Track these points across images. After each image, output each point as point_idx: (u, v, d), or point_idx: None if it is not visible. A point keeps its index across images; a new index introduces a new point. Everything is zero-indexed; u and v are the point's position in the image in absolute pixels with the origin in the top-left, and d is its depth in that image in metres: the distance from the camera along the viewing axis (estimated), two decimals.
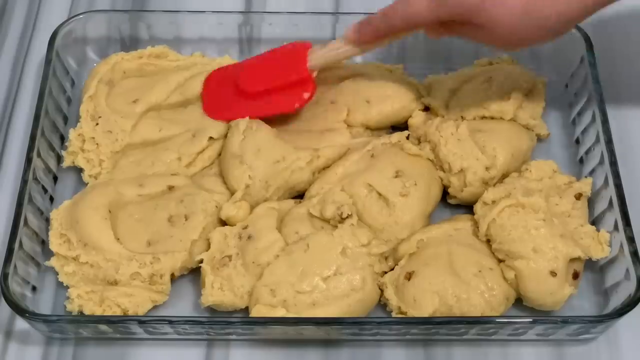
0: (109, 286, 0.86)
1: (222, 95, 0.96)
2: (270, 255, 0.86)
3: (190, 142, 0.95)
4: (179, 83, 0.99)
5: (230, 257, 0.86)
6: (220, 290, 0.84)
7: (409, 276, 0.85)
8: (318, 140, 0.95)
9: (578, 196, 0.89)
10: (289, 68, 0.93)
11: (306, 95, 0.92)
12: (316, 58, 0.92)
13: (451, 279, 0.84)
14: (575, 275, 0.85)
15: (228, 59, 1.02)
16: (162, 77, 1.00)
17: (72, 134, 0.95)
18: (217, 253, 0.86)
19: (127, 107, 0.97)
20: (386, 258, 0.88)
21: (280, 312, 0.82)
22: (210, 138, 0.95)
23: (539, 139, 0.97)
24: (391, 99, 0.98)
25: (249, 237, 0.87)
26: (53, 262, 0.87)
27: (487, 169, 0.91)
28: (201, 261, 0.86)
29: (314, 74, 0.92)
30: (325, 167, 0.94)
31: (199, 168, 0.95)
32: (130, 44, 1.05)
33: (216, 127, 0.96)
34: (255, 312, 0.83)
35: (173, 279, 0.88)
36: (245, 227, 0.88)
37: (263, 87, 0.94)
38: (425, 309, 0.83)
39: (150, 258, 0.86)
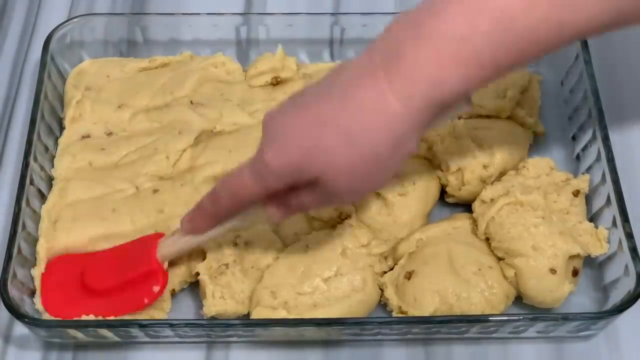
0: None
1: (65, 289, 0.86)
2: (269, 258, 0.86)
3: (177, 139, 0.94)
4: (164, 84, 0.99)
5: (227, 265, 0.86)
6: (222, 299, 0.84)
7: (408, 275, 0.85)
8: None
9: (576, 193, 0.89)
10: (136, 261, 0.84)
11: (156, 289, 0.83)
12: (165, 247, 0.84)
13: (451, 278, 0.84)
14: (575, 273, 0.85)
15: (221, 56, 1.02)
16: (145, 78, 1.00)
17: (60, 145, 0.95)
18: (214, 262, 0.86)
19: (114, 114, 0.97)
20: (386, 258, 0.88)
21: (281, 314, 0.82)
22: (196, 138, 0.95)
23: (536, 136, 0.98)
24: None
25: (246, 243, 0.87)
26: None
27: (484, 167, 0.91)
28: (198, 273, 0.86)
29: (165, 265, 0.84)
30: None
31: (186, 166, 0.94)
32: (127, 47, 1.05)
33: (201, 124, 0.95)
34: (256, 315, 0.83)
35: (173, 294, 0.87)
36: (239, 235, 0.87)
37: (110, 283, 0.84)
38: (425, 308, 0.83)
39: None
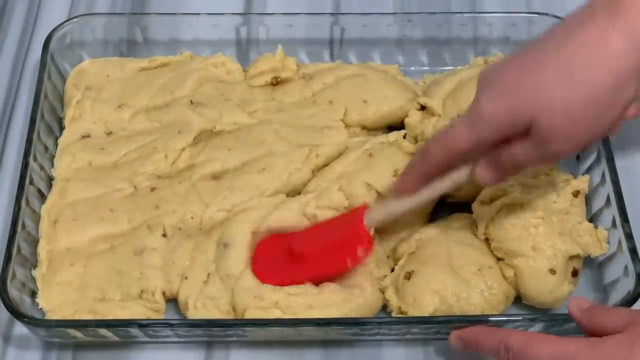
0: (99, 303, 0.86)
1: (274, 260, 0.87)
2: (241, 266, 0.85)
3: (176, 139, 0.94)
4: (164, 83, 0.99)
5: (209, 274, 0.86)
6: (204, 309, 0.84)
7: (408, 276, 0.85)
8: (317, 136, 0.95)
9: (576, 193, 0.89)
10: (343, 227, 0.86)
11: (361, 252, 0.83)
12: (373, 213, 0.85)
13: (451, 278, 0.84)
14: (575, 273, 0.86)
15: (221, 56, 1.02)
16: (145, 78, 1.00)
17: (60, 144, 0.95)
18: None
19: (114, 114, 0.97)
20: (387, 257, 0.88)
21: (275, 314, 0.82)
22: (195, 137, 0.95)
23: None
24: (388, 99, 0.98)
25: (225, 245, 0.87)
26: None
27: None
28: None
29: (371, 231, 0.85)
30: (325, 165, 0.94)
31: (184, 165, 0.94)
32: (127, 47, 1.05)
33: (201, 123, 0.95)
34: (250, 316, 0.82)
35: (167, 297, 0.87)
36: (220, 235, 0.88)
37: (317, 247, 0.86)
38: (425, 308, 0.83)
39: (138, 274, 0.86)
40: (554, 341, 0.69)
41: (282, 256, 0.87)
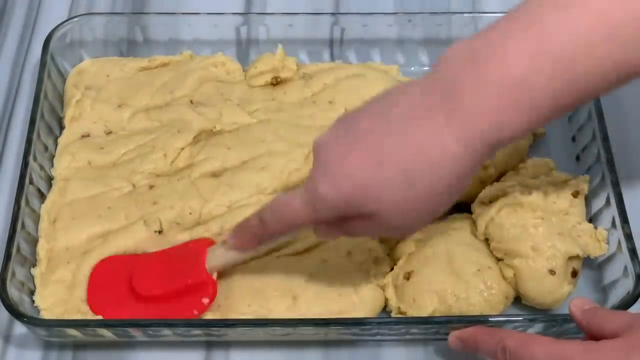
0: None
1: (112, 289, 0.86)
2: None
3: (176, 138, 0.95)
4: (164, 83, 0.99)
5: None
6: None
7: (408, 276, 0.85)
8: (316, 136, 0.94)
9: (575, 194, 0.89)
10: (186, 270, 0.84)
11: (205, 300, 0.83)
12: (213, 258, 0.83)
13: (450, 278, 0.84)
14: (574, 274, 0.85)
15: (221, 56, 1.02)
16: (145, 78, 1.00)
17: (59, 144, 0.96)
18: None
19: (114, 113, 0.97)
20: (388, 254, 0.88)
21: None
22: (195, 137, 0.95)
23: (535, 137, 0.98)
24: None
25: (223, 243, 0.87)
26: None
27: (484, 167, 0.91)
28: None
29: (214, 275, 0.83)
30: None
31: (184, 164, 0.94)
32: (127, 46, 1.05)
33: (201, 123, 0.96)
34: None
35: None
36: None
37: (159, 291, 0.84)
38: (424, 308, 0.83)
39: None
40: (551, 343, 0.69)
41: (120, 285, 0.85)
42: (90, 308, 0.84)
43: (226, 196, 0.90)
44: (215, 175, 0.93)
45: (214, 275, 0.84)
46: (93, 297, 0.85)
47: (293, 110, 0.98)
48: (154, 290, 0.84)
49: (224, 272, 0.85)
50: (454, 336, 0.81)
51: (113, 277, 0.86)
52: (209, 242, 0.86)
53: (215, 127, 0.96)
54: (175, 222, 0.89)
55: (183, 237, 0.88)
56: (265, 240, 0.79)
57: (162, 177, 0.93)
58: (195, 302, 0.83)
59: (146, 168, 0.93)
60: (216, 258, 0.83)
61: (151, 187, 0.92)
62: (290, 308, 0.83)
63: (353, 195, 0.70)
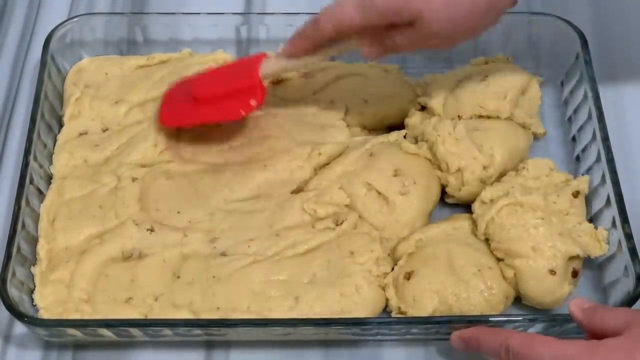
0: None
1: (176, 103, 0.95)
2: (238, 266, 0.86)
3: (168, 129, 0.95)
4: (162, 77, 1.00)
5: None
6: None
7: (408, 276, 0.85)
8: (319, 134, 0.95)
9: (576, 194, 0.89)
10: (240, 75, 0.91)
11: (253, 102, 0.89)
12: (267, 66, 0.90)
13: (450, 279, 0.84)
14: (575, 274, 0.85)
15: (221, 54, 1.02)
16: (143, 74, 1.00)
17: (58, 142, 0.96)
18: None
19: (110, 110, 0.97)
20: (388, 255, 0.88)
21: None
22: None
23: (536, 137, 0.98)
24: (389, 99, 0.98)
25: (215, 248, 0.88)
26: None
27: (484, 168, 0.91)
28: None
29: (265, 82, 0.91)
30: (326, 164, 0.94)
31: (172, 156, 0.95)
32: (127, 46, 1.05)
33: None
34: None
35: None
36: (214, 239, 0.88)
37: (213, 93, 0.91)
38: (424, 308, 0.83)
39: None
40: (554, 343, 0.69)
41: (183, 97, 0.94)
42: (162, 123, 0.94)
43: (225, 195, 0.91)
44: (216, 171, 0.93)
45: (265, 83, 0.90)
46: (163, 114, 0.95)
47: (296, 107, 0.98)
48: (210, 91, 0.91)
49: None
50: (456, 336, 0.81)
51: (178, 93, 0.95)
52: (263, 55, 0.91)
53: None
54: (161, 223, 0.89)
55: (175, 235, 0.88)
56: (317, 48, 0.85)
57: (146, 168, 0.93)
58: (243, 103, 0.89)
59: (133, 159, 0.93)
60: (269, 66, 0.89)
61: (134, 179, 0.92)
62: (292, 308, 0.83)
63: None
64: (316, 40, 0.84)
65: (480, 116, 0.95)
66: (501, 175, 0.92)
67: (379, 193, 0.90)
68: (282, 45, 0.90)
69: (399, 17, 0.78)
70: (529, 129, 0.96)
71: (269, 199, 0.90)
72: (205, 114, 0.92)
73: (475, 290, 0.84)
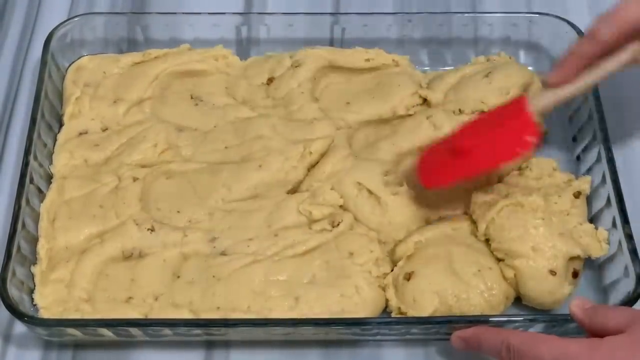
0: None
1: (436, 161, 0.88)
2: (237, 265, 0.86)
3: (167, 129, 0.95)
4: (157, 75, 1.00)
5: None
6: None
7: (408, 277, 0.85)
8: (307, 129, 0.95)
9: (577, 194, 0.89)
10: (506, 116, 0.84)
11: (530, 139, 0.81)
12: (535, 102, 0.82)
13: (450, 279, 0.84)
14: (575, 274, 0.85)
15: (221, 49, 1.02)
16: (140, 72, 1.00)
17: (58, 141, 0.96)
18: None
19: (109, 109, 0.97)
20: (387, 256, 0.88)
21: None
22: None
23: None
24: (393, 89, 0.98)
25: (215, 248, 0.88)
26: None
27: None
28: None
29: (535, 119, 0.82)
30: (316, 162, 0.94)
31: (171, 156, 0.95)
32: (127, 46, 1.05)
33: None
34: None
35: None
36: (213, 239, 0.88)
37: (480, 139, 0.84)
38: (425, 309, 0.83)
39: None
40: (555, 342, 0.69)
41: (445, 156, 0.86)
42: (425, 185, 0.87)
43: (223, 195, 0.91)
44: (212, 171, 0.93)
45: (535, 119, 0.82)
46: (424, 176, 0.87)
47: (285, 105, 0.98)
48: (475, 138, 0.84)
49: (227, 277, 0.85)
50: (456, 336, 0.81)
51: (436, 153, 0.88)
52: (524, 97, 0.84)
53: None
54: (161, 222, 0.89)
55: (176, 235, 0.88)
56: (587, 64, 0.77)
57: (147, 169, 0.93)
58: (516, 141, 0.82)
59: (134, 159, 0.93)
60: (538, 101, 0.82)
61: (135, 179, 0.92)
62: (292, 308, 0.83)
63: None
64: (592, 51, 0.76)
65: (482, 112, 0.94)
66: (503, 176, 0.92)
67: (370, 192, 0.90)
68: (538, 78, 0.86)
69: None
70: None
71: (266, 199, 0.90)
72: (475, 163, 0.84)
73: (475, 290, 0.83)
